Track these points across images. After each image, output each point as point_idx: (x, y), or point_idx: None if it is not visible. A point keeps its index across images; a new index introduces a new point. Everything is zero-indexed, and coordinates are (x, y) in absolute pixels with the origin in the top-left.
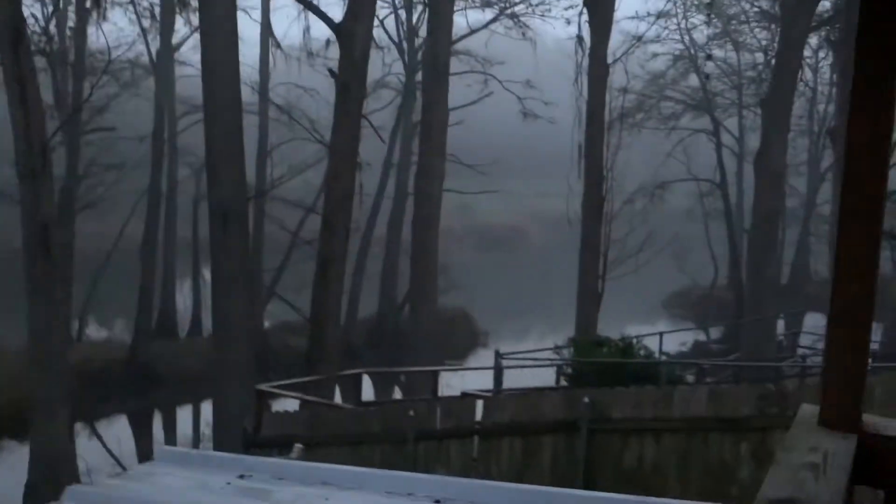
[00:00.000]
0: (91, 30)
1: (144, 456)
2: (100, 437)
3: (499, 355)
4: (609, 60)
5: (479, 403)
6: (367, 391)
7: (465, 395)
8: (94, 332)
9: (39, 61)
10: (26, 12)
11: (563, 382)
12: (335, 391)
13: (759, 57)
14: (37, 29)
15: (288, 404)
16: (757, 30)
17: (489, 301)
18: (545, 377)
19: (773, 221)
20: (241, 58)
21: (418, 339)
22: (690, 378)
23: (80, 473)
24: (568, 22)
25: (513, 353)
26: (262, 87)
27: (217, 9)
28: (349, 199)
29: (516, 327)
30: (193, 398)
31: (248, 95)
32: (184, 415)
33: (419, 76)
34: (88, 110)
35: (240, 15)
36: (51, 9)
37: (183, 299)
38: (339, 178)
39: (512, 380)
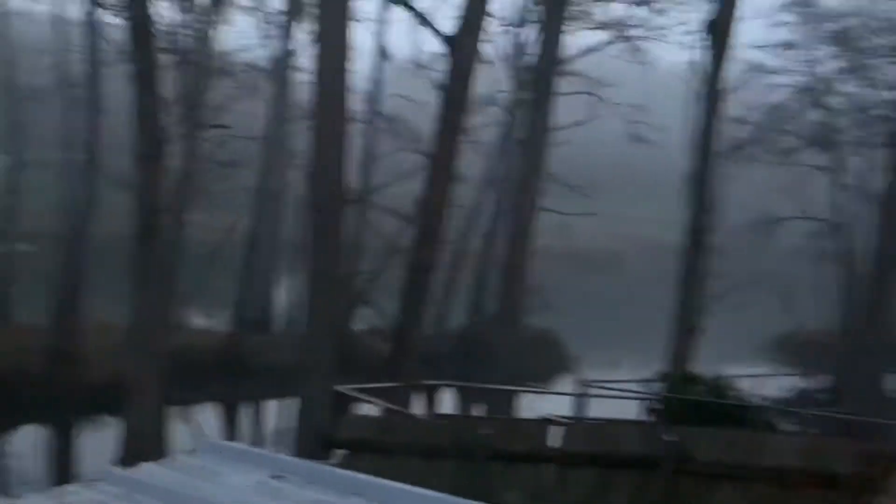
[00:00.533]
0: (217, 32)
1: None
2: (189, 422)
3: (583, 382)
4: (725, 88)
5: (558, 429)
6: (446, 403)
7: (543, 419)
8: (196, 320)
9: (165, 59)
10: (156, 11)
11: (649, 417)
12: (413, 400)
13: (887, 94)
14: (165, 28)
15: (371, 408)
16: (888, 65)
17: (580, 325)
18: (630, 410)
19: None
20: (354, 67)
21: (502, 357)
22: (788, 427)
23: (168, 454)
24: (684, 47)
25: (599, 380)
26: (372, 97)
27: (331, 18)
28: (444, 210)
29: (605, 355)
30: (281, 392)
31: (358, 104)
32: (274, 406)
33: (527, 94)
34: (208, 108)
35: (356, 26)
36: (179, 9)
37: (284, 294)
38: (435, 189)
39: (595, 409)
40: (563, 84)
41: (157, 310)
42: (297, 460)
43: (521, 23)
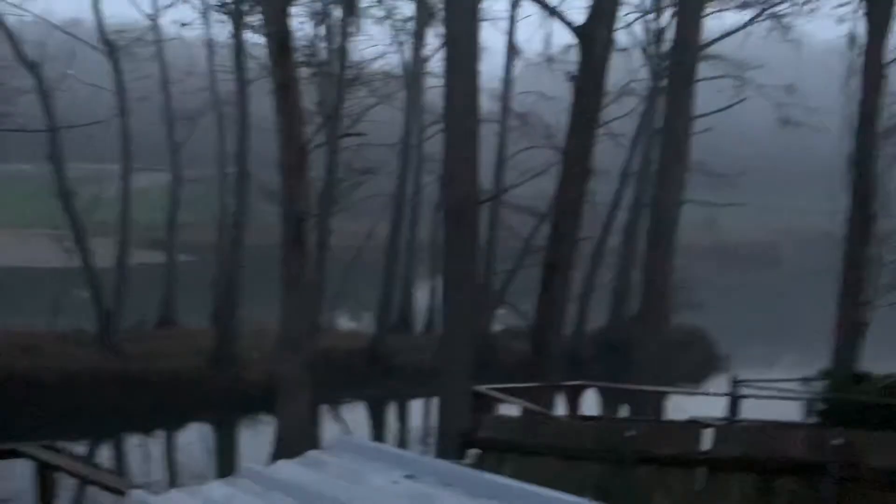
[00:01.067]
0: (351, 42)
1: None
2: (340, 419)
3: (736, 382)
4: (888, 62)
5: (709, 432)
6: (589, 405)
7: (693, 421)
8: (342, 322)
9: (304, 72)
10: (294, 27)
11: (812, 419)
12: (554, 401)
13: None
14: (303, 41)
15: (511, 408)
16: None
17: (731, 323)
18: (788, 411)
19: None
20: (483, 67)
21: (646, 357)
22: None
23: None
24: (840, 20)
25: (753, 380)
26: (503, 95)
27: (459, 19)
28: (579, 206)
29: (759, 353)
30: (424, 392)
31: (488, 103)
32: (416, 406)
33: (665, 81)
34: (346, 118)
35: (485, 26)
36: (315, 23)
37: (422, 297)
38: (569, 185)
39: (749, 410)
40: (704, 69)
41: (305, 313)
42: (432, 460)
43: (657, 7)
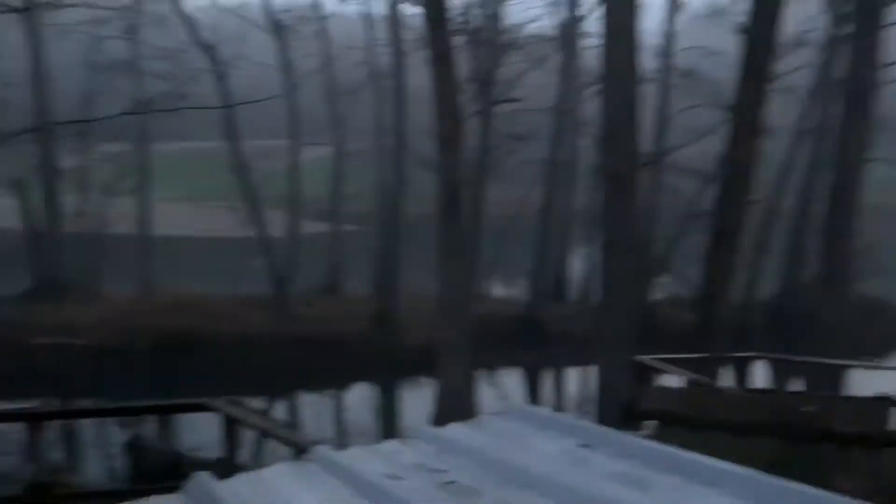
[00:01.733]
0: (505, 7)
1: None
2: (497, 385)
3: None
4: None
5: None
6: (759, 378)
7: (882, 397)
8: (496, 290)
9: (459, 40)
10: None
11: None
12: (720, 373)
13: None
14: (458, 10)
15: (674, 380)
16: None
17: None
18: None
19: None
20: (644, 22)
21: (824, 328)
22: None
23: (478, 413)
24: None
25: None
26: (665, 52)
27: None
28: (749, 167)
29: None
30: (580, 361)
31: (649, 61)
32: (573, 375)
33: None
34: (500, 84)
35: None
36: None
37: (579, 264)
38: (739, 145)
39: None
40: (893, 13)
41: (461, 280)
42: (605, 430)
43: None
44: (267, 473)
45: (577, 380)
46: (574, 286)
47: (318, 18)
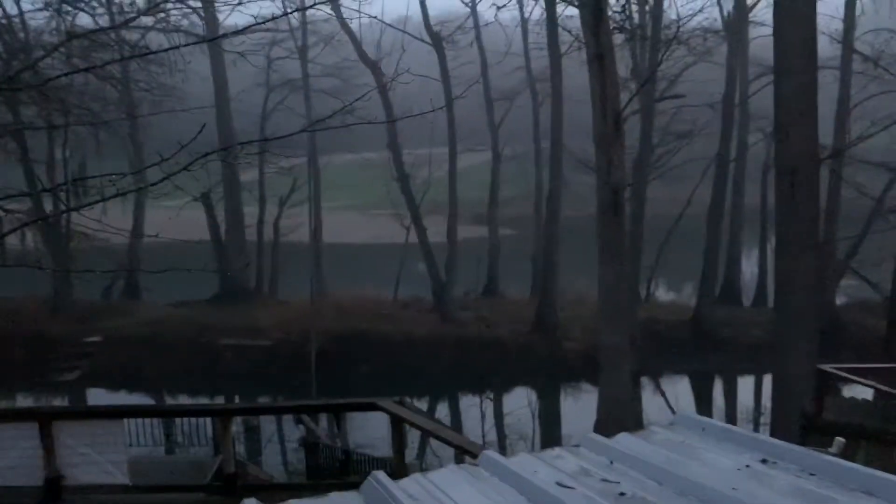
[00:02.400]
0: (670, 2)
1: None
2: (662, 392)
3: None
4: None
5: None
6: None
7: None
8: (662, 293)
9: (618, 37)
10: None
11: None
12: None
13: None
14: (617, 7)
15: (860, 391)
16: None
17: None
18: None
19: None
20: (821, 5)
21: None
22: None
23: (643, 420)
24: None
25: None
26: (846, 37)
27: None
28: None
29: None
30: (754, 368)
31: (828, 49)
32: (744, 384)
33: None
34: (663, 80)
35: None
36: None
37: (749, 267)
38: None
39: None
40: None
41: (623, 283)
42: (787, 445)
43: None
44: (437, 476)
45: (750, 389)
46: (747, 290)
47: (475, 27)
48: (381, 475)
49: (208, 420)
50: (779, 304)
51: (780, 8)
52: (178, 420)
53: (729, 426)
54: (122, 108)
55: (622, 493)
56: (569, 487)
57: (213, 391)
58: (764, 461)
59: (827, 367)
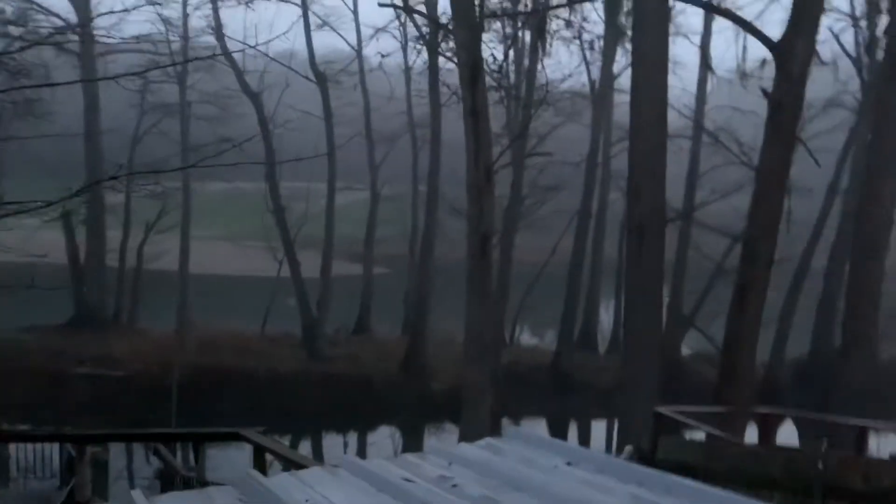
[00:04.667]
0: (540, 65)
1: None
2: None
3: None
4: None
5: None
6: (786, 436)
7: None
8: (525, 338)
9: (494, 95)
10: (486, 51)
11: None
12: (745, 429)
13: None
14: (494, 66)
15: (699, 433)
16: None
17: None
18: None
19: None
20: (676, 82)
21: (852, 389)
22: None
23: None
24: None
25: None
26: (696, 111)
27: (649, 35)
28: (775, 225)
29: None
30: (606, 411)
31: (680, 120)
32: (597, 426)
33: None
34: (534, 137)
35: (679, 41)
36: (506, 48)
37: (607, 316)
38: (764, 203)
39: None
40: None
41: (489, 326)
42: (588, 451)
43: (871, 13)
44: (305, 474)
45: (602, 431)
46: (604, 337)
47: (360, 71)
48: (254, 472)
49: (54, 449)
50: (626, 352)
51: (636, 77)
52: (12, 451)
53: (549, 438)
54: None
55: (454, 485)
56: (412, 481)
57: (59, 423)
58: (569, 463)
59: (663, 410)
